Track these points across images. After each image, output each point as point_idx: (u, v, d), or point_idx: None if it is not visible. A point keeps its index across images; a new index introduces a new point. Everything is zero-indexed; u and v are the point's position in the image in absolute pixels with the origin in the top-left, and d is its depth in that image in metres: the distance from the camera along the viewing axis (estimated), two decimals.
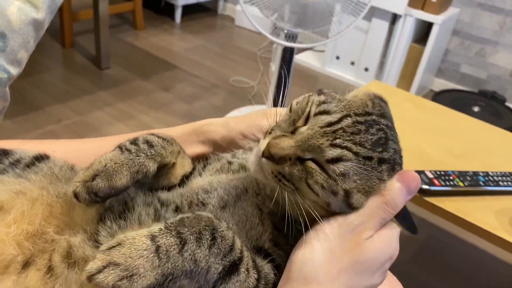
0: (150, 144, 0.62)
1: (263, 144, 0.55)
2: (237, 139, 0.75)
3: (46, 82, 3.03)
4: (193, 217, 0.51)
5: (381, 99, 0.59)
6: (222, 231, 0.52)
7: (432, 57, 3.33)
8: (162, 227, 0.49)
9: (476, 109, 3.21)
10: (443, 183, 1.28)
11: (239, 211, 0.61)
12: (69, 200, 0.60)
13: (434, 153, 1.49)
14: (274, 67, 2.49)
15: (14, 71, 0.76)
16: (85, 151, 0.74)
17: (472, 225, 1.23)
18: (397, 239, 0.57)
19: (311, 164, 0.53)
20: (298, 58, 3.76)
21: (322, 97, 0.57)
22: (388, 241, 0.55)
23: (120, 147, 0.60)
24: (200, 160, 0.74)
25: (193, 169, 0.70)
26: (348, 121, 0.53)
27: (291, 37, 2.24)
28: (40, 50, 3.30)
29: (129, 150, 0.59)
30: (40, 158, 0.68)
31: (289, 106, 0.60)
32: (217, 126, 0.77)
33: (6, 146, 0.69)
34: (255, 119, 0.75)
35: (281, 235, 0.60)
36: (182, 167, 0.68)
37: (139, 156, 0.59)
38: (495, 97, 3.31)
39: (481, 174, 1.34)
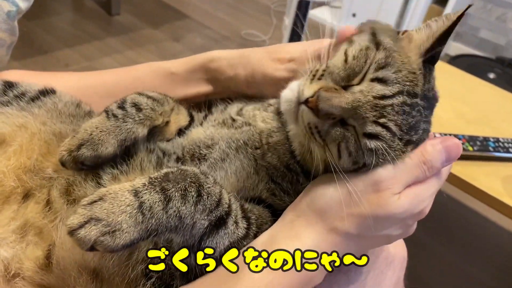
0: (138, 108, 0.59)
1: (309, 89, 0.51)
2: (243, 86, 0.71)
3: (55, 26, 2.98)
4: (178, 172, 0.50)
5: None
6: (209, 187, 0.51)
7: None
8: (146, 182, 0.48)
9: (492, 75, 3.13)
10: None
11: (236, 162, 0.61)
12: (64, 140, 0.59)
13: (446, 117, 1.46)
14: (288, 21, 2.41)
15: (23, 4, 0.74)
16: (86, 89, 0.73)
17: (477, 189, 1.23)
18: (430, 196, 0.54)
19: (351, 131, 0.51)
20: (313, 13, 3.64)
21: (382, 55, 0.52)
22: (416, 197, 0.52)
23: (106, 112, 0.58)
24: (201, 109, 0.72)
25: (192, 119, 0.69)
26: (399, 99, 0.50)
27: None
28: None
29: (115, 116, 0.57)
30: (46, 92, 0.66)
31: (344, 53, 0.54)
32: (225, 66, 0.72)
33: (9, 78, 0.68)
34: (265, 63, 0.69)
35: (279, 187, 0.60)
36: (177, 123, 0.66)
37: (126, 122, 0.57)
38: None
39: (492, 139, 1.32)
